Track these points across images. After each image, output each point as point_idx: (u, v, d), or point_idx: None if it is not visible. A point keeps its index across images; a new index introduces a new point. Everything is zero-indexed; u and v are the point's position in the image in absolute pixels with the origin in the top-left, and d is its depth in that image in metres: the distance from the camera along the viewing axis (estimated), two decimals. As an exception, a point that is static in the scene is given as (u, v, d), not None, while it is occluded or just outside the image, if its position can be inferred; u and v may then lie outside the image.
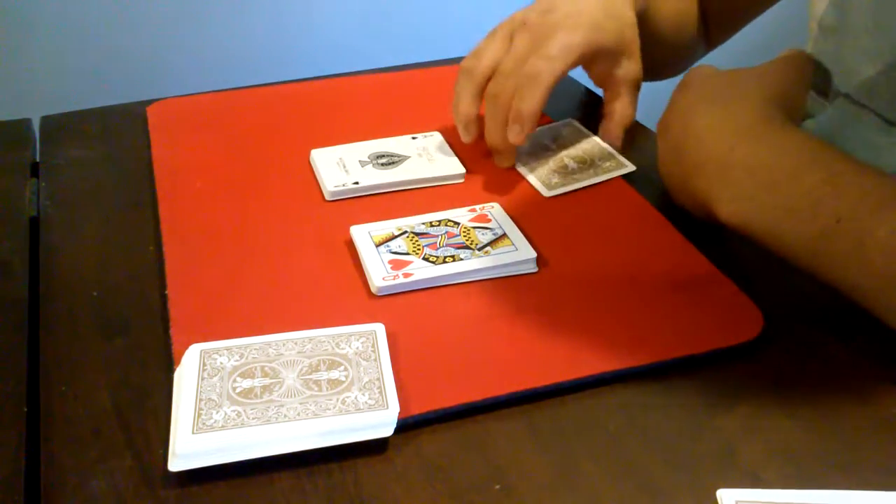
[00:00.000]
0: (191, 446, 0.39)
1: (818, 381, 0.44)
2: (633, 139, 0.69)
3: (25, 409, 0.43)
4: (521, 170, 0.63)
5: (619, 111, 0.65)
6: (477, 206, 0.57)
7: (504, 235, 0.54)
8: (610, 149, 0.64)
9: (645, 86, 0.68)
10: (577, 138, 0.66)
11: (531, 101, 0.59)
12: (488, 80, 0.62)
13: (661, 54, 0.77)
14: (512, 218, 0.56)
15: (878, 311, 0.45)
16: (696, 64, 0.61)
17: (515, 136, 0.60)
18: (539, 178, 0.61)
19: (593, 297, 0.50)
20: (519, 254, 0.52)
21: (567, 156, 0.64)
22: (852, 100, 0.59)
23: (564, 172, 0.62)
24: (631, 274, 0.52)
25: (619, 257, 0.53)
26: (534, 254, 0.52)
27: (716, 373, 0.45)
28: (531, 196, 0.60)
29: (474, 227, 0.55)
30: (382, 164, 0.63)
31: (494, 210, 0.57)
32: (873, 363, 0.45)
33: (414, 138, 0.67)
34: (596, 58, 0.63)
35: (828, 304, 0.48)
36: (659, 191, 0.59)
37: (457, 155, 0.64)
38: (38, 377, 0.45)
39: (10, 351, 0.47)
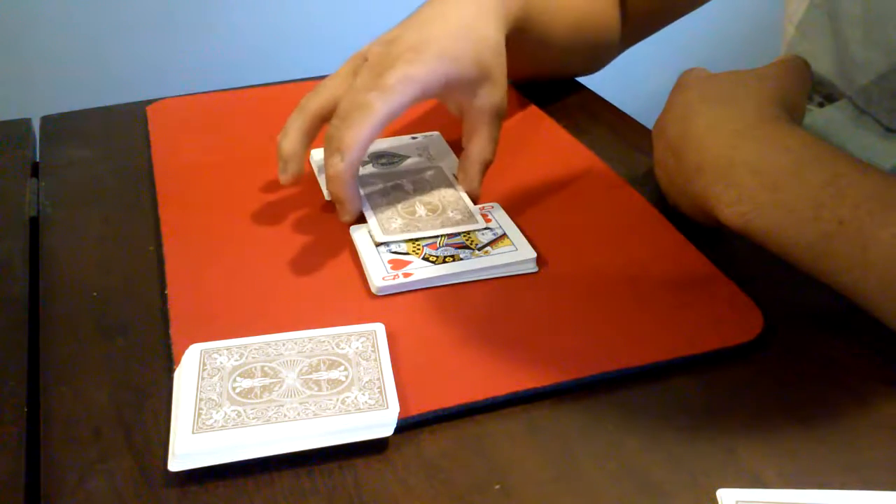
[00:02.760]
0: (191, 446, 0.39)
1: (818, 381, 0.44)
2: (632, 140, 0.69)
3: (25, 409, 0.43)
4: (364, 208, 0.56)
5: (476, 149, 0.59)
6: (477, 206, 0.57)
7: (504, 235, 0.54)
8: (468, 202, 0.57)
9: (642, 88, 0.68)
10: (437, 184, 0.59)
11: (357, 129, 0.52)
12: (323, 119, 0.57)
13: (559, 57, 0.74)
14: (512, 218, 0.56)
15: (879, 314, 0.45)
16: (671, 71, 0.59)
17: (333, 166, 0.53)
18: (379, 221, 0.55)
19: (593, 297, 0.50)
20: (519, 254, 0.52)
21: (421, 201, 0.57)
22: (854, 104, 0.58)
23: (410, 218, 0.55)
24: (631, 274, 0.52)
25: (619, 257, 0.53)
26: (534, 254, 0.52)
27: (716, 373, 0.45)
28: (530, 196, 0.60)
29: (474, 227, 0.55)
30: (382, 164, 0.63)
31: (494, 210, 0.57)
32: (873, 363, 0.45)
33: (414, 138, 0.67)
34: (448, 89, 0.57)
35: (828, 305, 0.48)
36: (659, 191, 0.58)
37: (457, 155, 0.64)
38: (38, 377, 0.45)
39: (10, 351, 0.47)
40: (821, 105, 0.63)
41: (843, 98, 0.60)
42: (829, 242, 0.44)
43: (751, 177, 0.47)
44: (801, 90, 0.55)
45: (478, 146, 0.59)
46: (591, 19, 0.74)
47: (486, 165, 0.59)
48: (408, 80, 0.54)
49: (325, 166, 0.54)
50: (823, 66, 0.62)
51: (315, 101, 0.58)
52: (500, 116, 0.60)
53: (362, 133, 0.53)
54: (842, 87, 0.60)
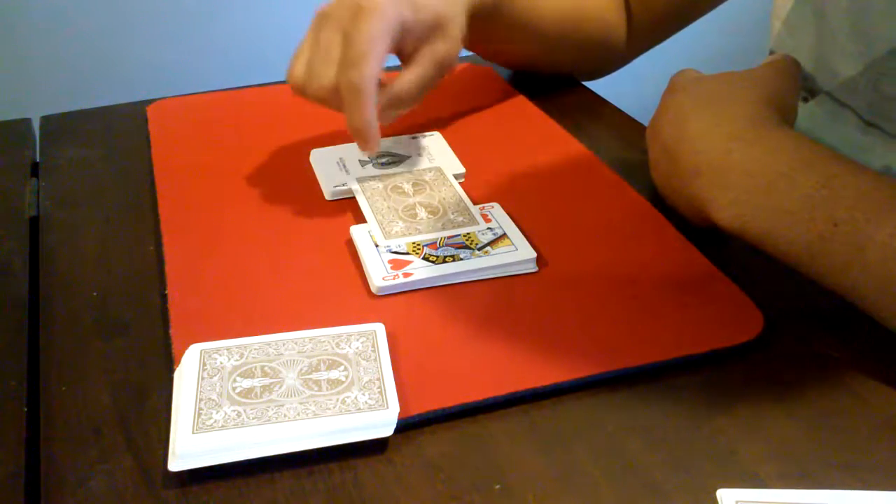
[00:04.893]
0: (191, 446, 0.39)
1: (818, 381, 0.44)
2: (632, 140, 0.69)
3: (25, 409, 0.43)
4: (366, 211, 0.56)
5: (397, 81, 0.58)
6: (477, 206, 0.57)
7: (504, 235, 0.54)
8: (467, 202, 0.57)
9: (642, 87, 0.68)
10: (437, 185, 0.59)
11: (359, 114, 0.55)
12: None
13: (550, 49, 0.75)
14: (512, 218, 0.56)
15: (877, 314, 0.45)
16: (681, 78, 0.58)
17: (363, 148, 0.57)
18: (380, 224, 0.55)
19: (593, 297, 0.50)
20: (519, 254, 0.52)
21: (421, 203, 0.57)
22: (833, 98, 0.58)
23: (411, 222, 0.55)
24: (631, 274, 0.52)
25: (619, 257, 0.53)
26: (534, 254, 0.52)
27: (716, 373, 0.45)
28: (530, 196, 0.60)
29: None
30: (382, 164, 0.63)
31: (494, 210, 0.57)
32: (873, 363, 0.45)
33: (414, 138, 0.67)
34: (403, 33, 0.57)
35: (828, 305, 0.48)
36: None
37: (457, 155, 0.64)
38: (38, 377, 0.45)
39: (10, 351, 0.47)
40: (805, 100, 0.63)
41: (821, 93, 0.60)
42: (825, 244, 0.45)
43: (745, 179, 0.48)
44: (792, 91, 0.55)
45: (400, 79, 0.58)
46: (585, 14, 0.74)
47: (399, 101, 0.58)
48: (376, 37, 0.54)
49: (342, 90, 0.55)
50: (809, 61, 0.62)
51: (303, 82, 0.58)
52: (440, 66, 0.60)
53: (365, 115, 0.54)
54: (821, 81, 0.60)
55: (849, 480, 0.38)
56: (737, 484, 0.38)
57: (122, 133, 0.71)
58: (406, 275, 0.51)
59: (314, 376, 0.43)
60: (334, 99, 0.56)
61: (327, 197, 0.60)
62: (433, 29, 0.59)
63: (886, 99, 0.55)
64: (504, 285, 0.51)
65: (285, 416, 0.40)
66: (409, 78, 0.58)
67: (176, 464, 0.39)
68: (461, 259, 0.52)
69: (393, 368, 0.43)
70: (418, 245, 0.53)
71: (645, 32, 0.77)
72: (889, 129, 0.55)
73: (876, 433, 0.41)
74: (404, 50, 0.59)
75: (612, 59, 0.78)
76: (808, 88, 0.62)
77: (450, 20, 0.60)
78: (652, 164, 0.58)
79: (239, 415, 0.40)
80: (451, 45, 0.60)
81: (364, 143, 0.57)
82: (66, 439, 0.41)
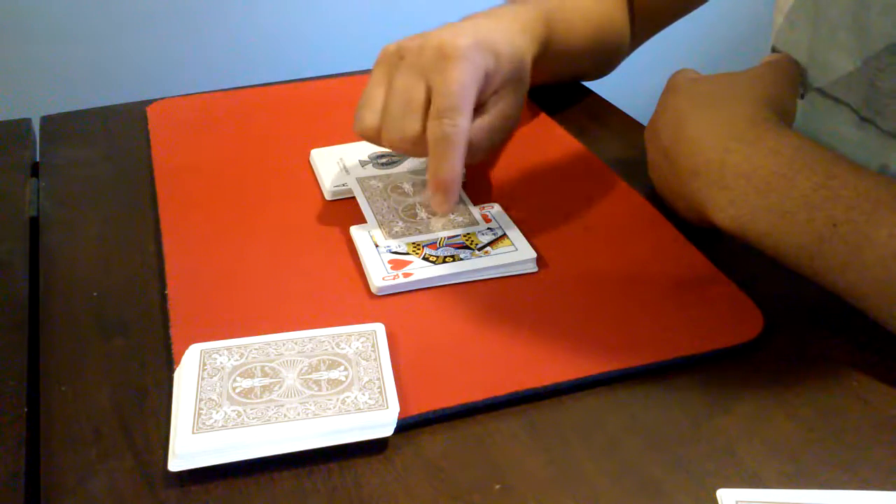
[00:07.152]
0: (191, 446, 0.39)
1: (818, 381, 0.44)
2: (632, 140, 0.69)
3: (25, 409, 0.43)
4: (366, 211, 0.56)
5: (470, 130, 0.54)
6: (477, 207, 0.57)
7: (504, 236, 0.54)
8: (467, 202, 0.57)
9: (641, 87, 0.67)
10: None
11: (450, 166, 0.52)
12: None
13: (574, 66, 0.75)
14: (512, 218, 0.56)
15: (876, 315, 0.45)
16: (682, 72, 0.58)
17: (440, 205, 0.53)
18: (380, 225, 0.55)
19: (593, 297, 0.50)
20: (519, 254, 0.52)
21: (421, 204, 0.57)
22: (825, 94, 0.58)
23: (411, 222, 0.55)
24: (631, 274, 0.52)
25: (619, 257, 0.53)
26: (534, 254, 0.52)
27: (716, 373, 0.45)
28: (530, 196, 0.60)
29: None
30: (382, 164, 0.63)
31: (494, 210, 0.57)
32: (873, 363, 0.45)
33: None
34: (485, 84, 0.55)
35: (828, 304, 0.48)
36: (659, 191, 0.58)
37: (457, 155, 0.64)
38: (38, 377, 0.45)
39: (10, 351, 0.47)
40: (802, 96, 0.63)
41: (812, 89, 0.60)
42: (824, 244, 0.44)
43: (743, 180, 0.48)
44: (790, 91, 0.55)
45: (473, 128, 0.54)
46: (607, 27, 0.74)
47: (477, 152, 0.55)
48: (463, 83, 0.52)
49: (433, 203, 0.53)
50: (804, 56, 0.62)
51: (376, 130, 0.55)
52: (509, 119, 0.58)
53: (455, 168, 0.52)
54: (812, 77, 0.60)
55: (849, 480, 0.38)
56: (737, 484, 0.38)
57: (122, 133, 0.71)
58: (406, 275, 0.51)
59: (314, 376, 0.43)
60: (416, 149, 0.54)
61: (327, 197, 0.60)
62: (509, 81, 0.57)
63: (883, 94, 0.54)
64: (504, 285, 0.51)
65: (285, 416, 0.40)
66: (482, 127, 0.55)
67: (176, 464, 0.39)
68: (461, 259, 0.52)
69: (393, 368, 0.43)
70: (418, 245, 0.53)
71: (646, 27, 0.77)
72: (883, 126, 0.55)
73: (876, 433, 0.41)
74: (479, 99, 0.55)
75: (618, 58, 0.79)
76: (802, 84, 0.62)
77: (524, 73, 0.58)
78: (650, 165, 0.58)
79: (239, 415, 0.40)
80: (520, 98, 0.58)
81: (444, 197, 0.53)
82: (66, 439, 0.41)
